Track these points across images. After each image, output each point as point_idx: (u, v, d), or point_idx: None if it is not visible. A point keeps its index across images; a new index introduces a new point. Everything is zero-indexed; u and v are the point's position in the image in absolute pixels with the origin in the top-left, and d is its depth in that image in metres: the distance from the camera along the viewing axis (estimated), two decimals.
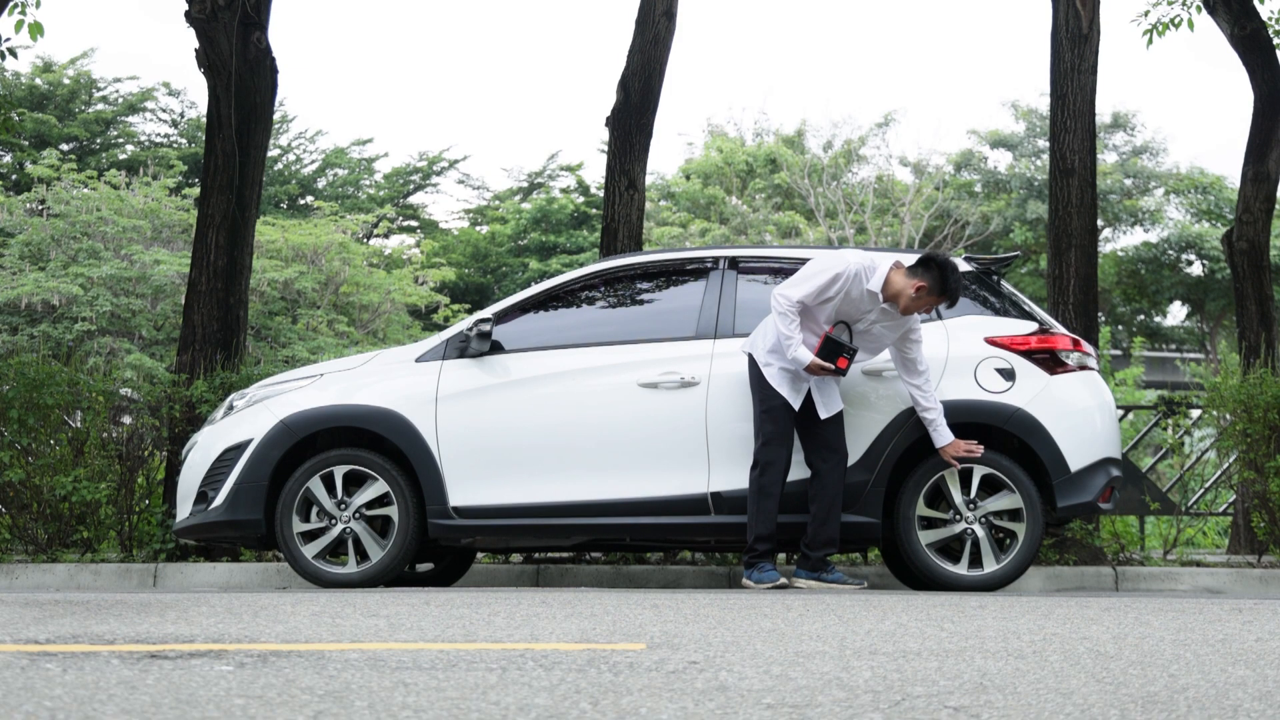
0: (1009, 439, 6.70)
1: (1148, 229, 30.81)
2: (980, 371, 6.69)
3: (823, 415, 6.49)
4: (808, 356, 6.32)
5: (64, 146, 25.23)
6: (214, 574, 8.20)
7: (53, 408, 8.66)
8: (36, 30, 9.81)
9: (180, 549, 8.57)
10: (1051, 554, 8.57)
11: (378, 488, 6.69)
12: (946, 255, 6.53)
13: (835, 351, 6.37)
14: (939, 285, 6.38)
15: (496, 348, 6.84)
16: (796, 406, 6.45)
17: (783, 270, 7.08)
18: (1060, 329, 6.95)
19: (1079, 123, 9.41)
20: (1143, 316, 32.60)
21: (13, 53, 10.10)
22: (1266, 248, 10.91)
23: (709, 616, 4.48)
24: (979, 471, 6.59)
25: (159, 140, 28.29)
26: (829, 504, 6.47)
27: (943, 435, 6.48)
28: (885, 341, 6.55)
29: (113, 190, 18.24)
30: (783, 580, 6.45)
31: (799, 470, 6.57)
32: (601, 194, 12.45)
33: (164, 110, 28.36)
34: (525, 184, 31.33)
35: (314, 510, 6.74)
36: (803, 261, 6.93)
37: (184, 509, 6.99)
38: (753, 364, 6.50)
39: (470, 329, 6.83)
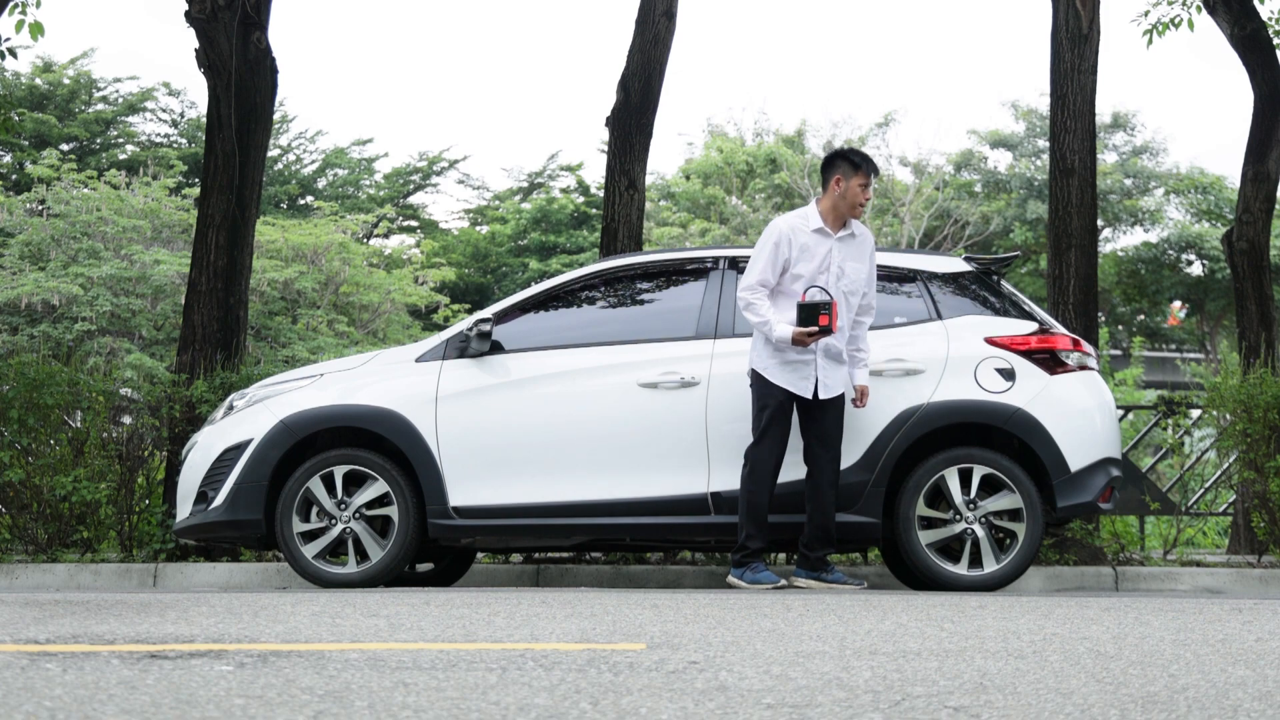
0: (1009, 439, 6.70)
1: (1148, 229, 30.82)
2: (980, 371, 6.68)
3: (823, 395, 6.46)
4: (788, 330, 6.31)
5: (64, 146, 25.22)
6: (214, 574, 8.20)
7: (53, 408, 8.66)
8: (37, 30, 9.81)
9: (180, 549, 8.57)
10: (1051, 554, 8.57)
11: (378, 488, 6.69)
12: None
13: (813, 313, 6.30)
14: (848, 163, 6.55)
15: (496, 348, 6.84)
16: (809, 394, 6.42)
17: None
18: (1060, 329, 6.95)
19: (1079, 123, 9.40)
20: (1143, 316, 32.60)
21: (13, 53, 10.09)
22: (1266, 248, 10.90)
23: (709, 616, 4.48)
24: (979, 471, 6.58)
25: (159, 140, 28.29)
26: (826, 503, 6.47)
27: (860, 376, 6.53)
28: (861, 276, 6.55)
29: (113, 190, 18.24)
30: (783, 581, 6.44)
31: (798, 470, 6.56)
32: (601, 194, 12.45)
33: (164, 110, 28.39)
34: (525, 184, 31.34)
35: (314, 510, 6.74)
36: None
37: (184, 509, 6.99)
38: (754, 375, 6.48)
39: (470, 329, 6.83)
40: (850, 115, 45.02)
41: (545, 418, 6.72)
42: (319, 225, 19.31)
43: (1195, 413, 10.09)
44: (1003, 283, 7.12)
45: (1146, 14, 11.95)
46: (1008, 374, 6.68)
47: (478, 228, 30.70)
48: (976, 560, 6.58)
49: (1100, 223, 29.63)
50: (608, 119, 10.02)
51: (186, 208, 18.60)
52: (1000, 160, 31.57)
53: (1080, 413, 6.72)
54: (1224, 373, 9.44)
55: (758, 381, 6.45)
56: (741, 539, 6.44)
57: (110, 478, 8.64)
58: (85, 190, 18.40)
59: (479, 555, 8.49)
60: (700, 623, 4.24)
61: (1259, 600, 6.12)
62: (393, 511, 6.68)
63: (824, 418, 6.49)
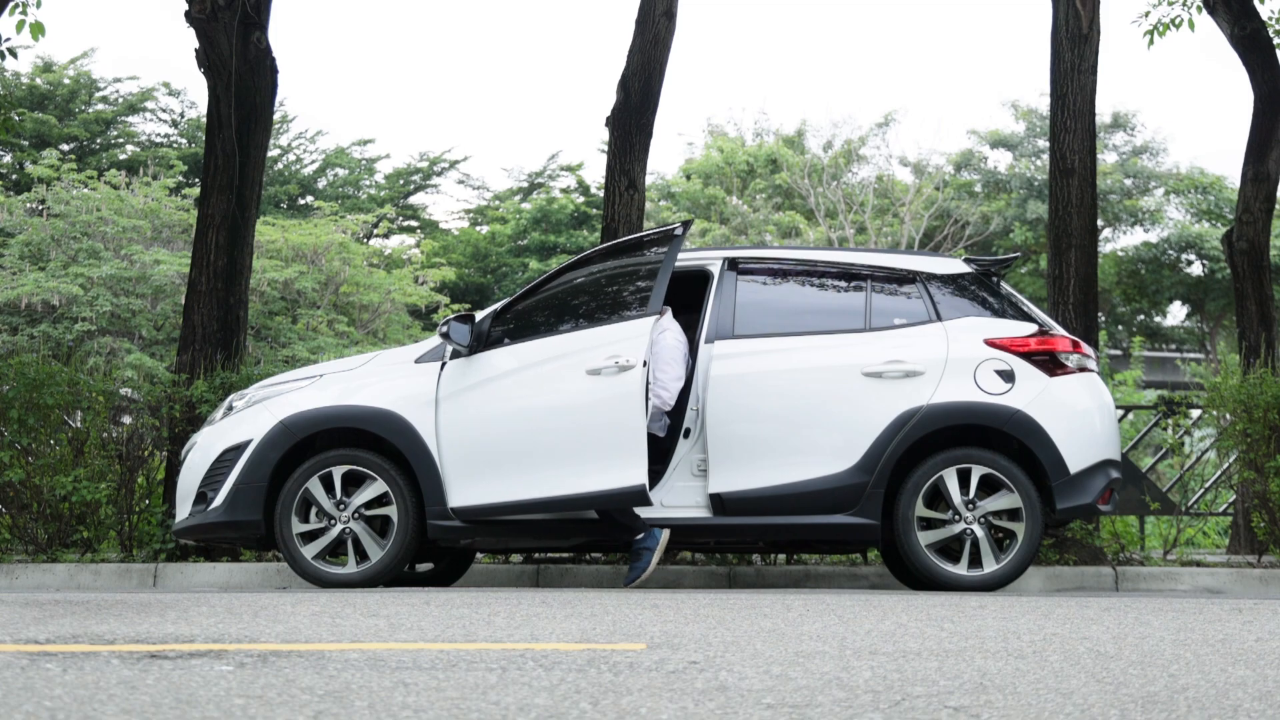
0: (1008, 439, 6.70)
1: (1148, 229, 30.80)
2: (980, 373, 6.68)
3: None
4: None
5: (64, 146, 25.22)
6: (214, 574, 8.20)
7: (53, 408, 8.66)
8: (37, 30, 9.81)
9: (180, 549, 8.57)
10: (1051, 554, 8.57)
11: (377, 488, 6.69)
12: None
13: None
14: None
15: (496, 347, 6.83)
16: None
17: (783, 271, 7.08)
18: (1060, 330, 6.95)
19: (1079, 123, 9.41)
20: (1143, 316, 32.59)
21: (13, 53, 10.09)
22: (1266, 248, 10.91)
23: (709, 616, 4.48)
24: (978, 472, 6.58)
25: (159, 140, 28.28)
26: None
27: None
28: None
29: (113, 190, 18.24)
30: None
31: (793, 472, 6.56)
32: (601, 194, 12.46)
33: (164, 110, 28.38)
34: (525, 184, 31.33)
35: (313, 511, 6.73)
36: (803, 262, 6.94)
37: (184, 509, 6.99)
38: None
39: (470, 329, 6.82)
40: (850, 115, 44.97)
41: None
42: (319, 225, 19.31)
43: (1195, 413, 10.09)
44: (1002, 284, 7.12)
45: (1147, 14, 11.96)
46: (1007, 376, 6.68)
47: (478, 228, 30.69)
48: (976, 560, 6.58)
49: (1100, 223, 29.63)
50: (608, 119, 10.03)
51: (186, 208, 18.60)
52: (1000, 160, 31.58)
53: (1080, 414, 6.71)
54: (1224, 373, 9.45)
55: None
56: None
57: (110, 478, 8.64)
58: (85, 190, 18.40)
59: (479, 555, 8.48)
60: (700, 623, 4.24)
61: (1259, 600, 6.12)
62: (392, 512, 6.67)
63: None
